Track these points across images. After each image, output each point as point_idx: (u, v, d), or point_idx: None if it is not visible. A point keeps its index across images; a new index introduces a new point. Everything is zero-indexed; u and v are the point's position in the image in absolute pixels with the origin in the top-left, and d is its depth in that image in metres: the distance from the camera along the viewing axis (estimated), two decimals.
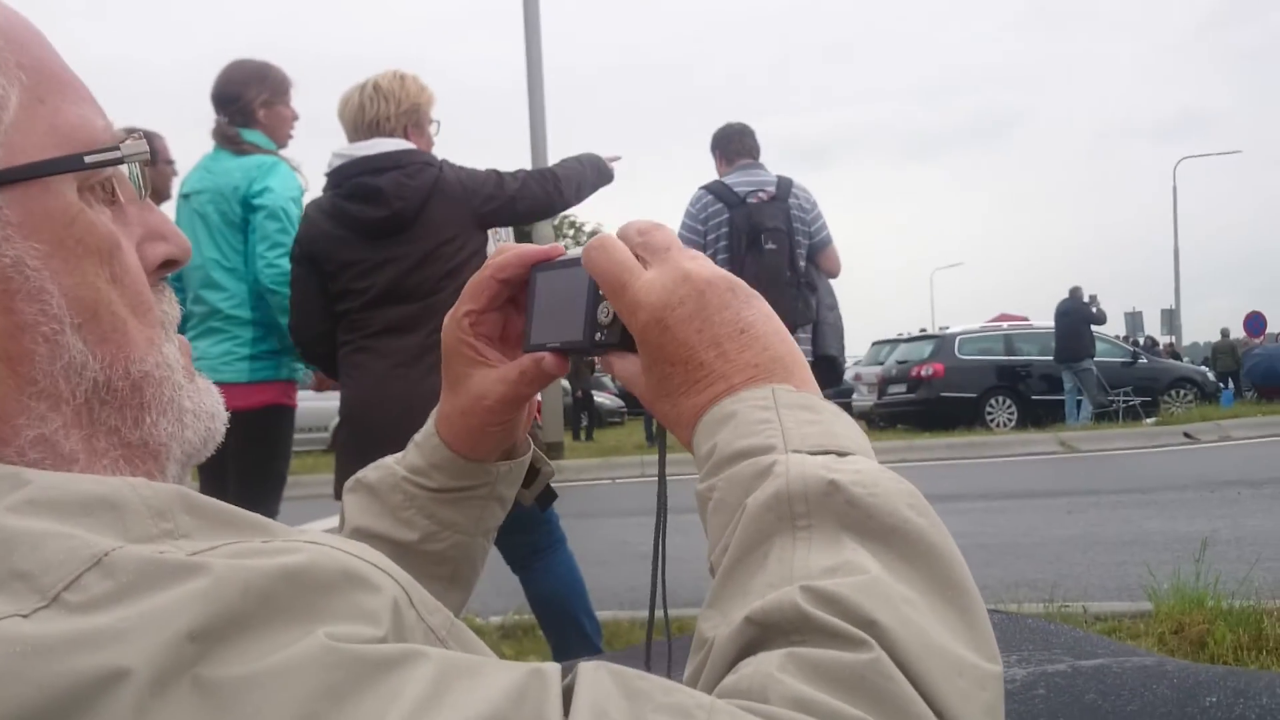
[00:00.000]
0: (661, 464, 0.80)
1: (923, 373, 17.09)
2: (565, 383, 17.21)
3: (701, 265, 0.66)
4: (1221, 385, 20.52)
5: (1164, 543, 5.52)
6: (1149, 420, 14.75)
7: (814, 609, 0.46)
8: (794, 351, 0.64)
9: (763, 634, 0.48)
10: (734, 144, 4.66)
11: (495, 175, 2.88)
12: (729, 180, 4.53)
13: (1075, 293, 15.68)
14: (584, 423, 20.11)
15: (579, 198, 2.99)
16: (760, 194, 4.43)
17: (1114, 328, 21.28)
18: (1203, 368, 21.20)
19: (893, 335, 21.82)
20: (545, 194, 2.88)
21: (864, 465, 0.56)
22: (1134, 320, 32.80)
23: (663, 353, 0.64)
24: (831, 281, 4.74)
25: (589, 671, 0.44)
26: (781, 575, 0.50)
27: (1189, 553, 4.14)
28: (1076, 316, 15.40)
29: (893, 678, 0.44)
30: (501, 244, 0.79)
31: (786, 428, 0.58)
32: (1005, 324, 20.04)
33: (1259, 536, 5.62)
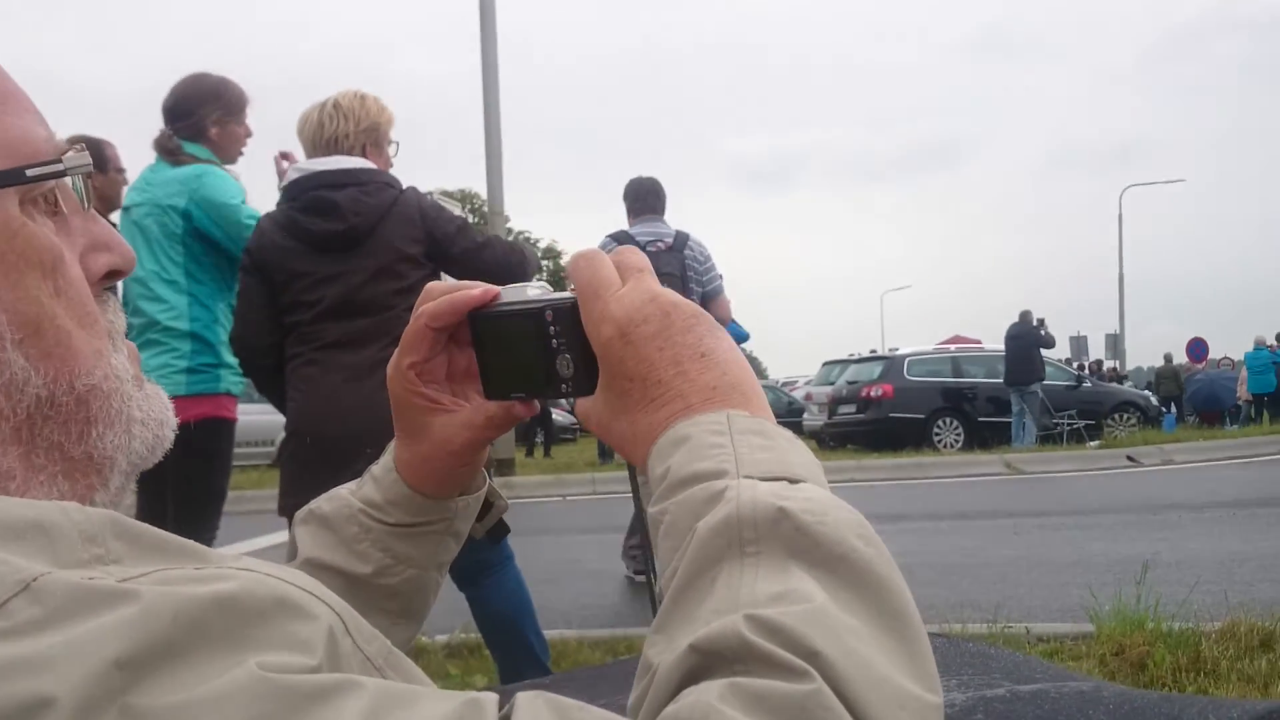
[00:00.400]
0: (635, 490, 0.79)
1: (872, 393, 17.25)
2: None
3: (670, 291, 0.67)
4: (1164, 410, 20.90)
5: (1106, 565, 5.60)
6: (1093, 443, 14.97)
7: (757, 638, 0.46)
8: (752, 380, 0.65)
9: (706, 662, 0.47)
10: (641, 201, 5.29)
11: (461, 219, 2.92)
12: (633, 230, 5.15)
13: (1025, 316, 15.86)
14: (540, 439, 20.01)
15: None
16: (659, 244, 5.03)
17: (1059, 352, 21.61)
18: (1146, 392, 21.59)
19: (844, 356, 22.01)
20: (509, 262, 2.89)
21: (815, 493, 0.56)
22: (1079, 344, 33.34)
23: (623, 368, 0.64)
24: (734, 321, 5.58)
25: (526, 701, 0.43)
26: (728, 601, 0.49)
27: (1130, 575, 4.20)
28: (1027, 340, 15.59)
29: (832, 709, 0.44)
30: (429, 285, 0.78)
31: (740, 453, 0.58)
32: (953, 346, 20.29)
33: (1199, 559, 5.72)
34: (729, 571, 0.51)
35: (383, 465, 0.81)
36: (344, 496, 0.82)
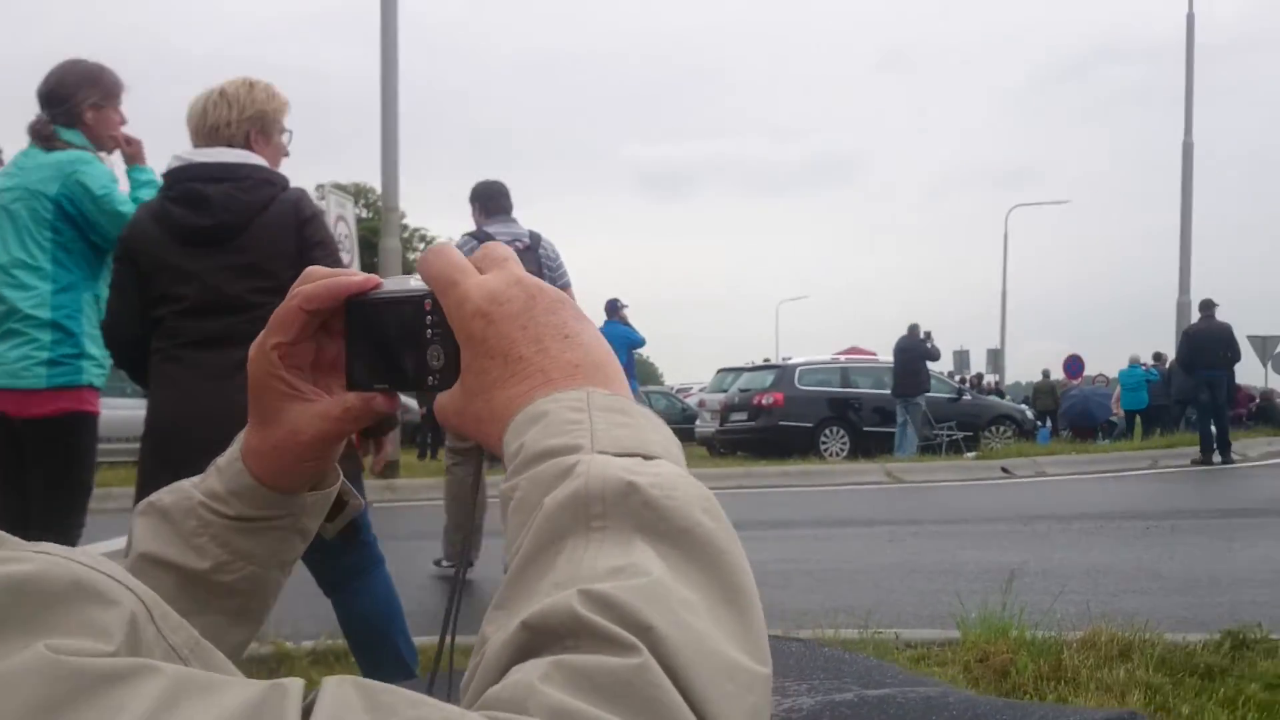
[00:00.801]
0: (477, 482, 0.78)
1: (763, 401, 17.50)
2: (409, 400, 16.88)
3: (539, 279, 0.66)
4: (1039, 423, 21.62)
5: (976, 573, 5.76)
6: (970, 454, 15.42)
7: (589, 613, 0.46)
8: (616, 363, 0.65)
9: (536, 639, 0.47)
10: (493, 201, 5.48)
11: (324, 236, 2.84)
12: (490, 229, 5.33)
13: (913, 330, 16.25)
14: (430, 440, 19.75)
15: None
16: (518, 244, 5.28)
17: (943, 364, 22.22)
18: (1023, 406, 22.31)
19: (739, 364, 22.29)
20: None
21: (666, 469, 0.55)
22: (961, 358, 34.36)
23: (484, 346, 0.64)
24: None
25: (333, 685, 0.42)
26: (569, 576, 0.49)
27: (999, 583, 4.34)
28: (914, 353, 15.98)
29: (659, 684, 0.43)
30: (310, 268, 0.76)
31: (596, 429, 0.57)
32: (843, 357, 20.69)
33: (1065, 569, 5.93)
34: (573, 546, 0.51)
35: (228, 455, 0.78)
36: (185, 489, 0.78)
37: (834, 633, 3.89)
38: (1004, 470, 12.97)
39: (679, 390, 31.73)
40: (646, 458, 0.57)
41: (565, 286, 5.44)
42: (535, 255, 5.27)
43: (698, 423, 21.55)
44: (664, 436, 0.60)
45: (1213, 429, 14.09)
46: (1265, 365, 29.07)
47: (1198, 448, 14.22)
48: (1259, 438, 18.36)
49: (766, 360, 22.75)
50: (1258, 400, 23.82)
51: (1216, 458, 13.96)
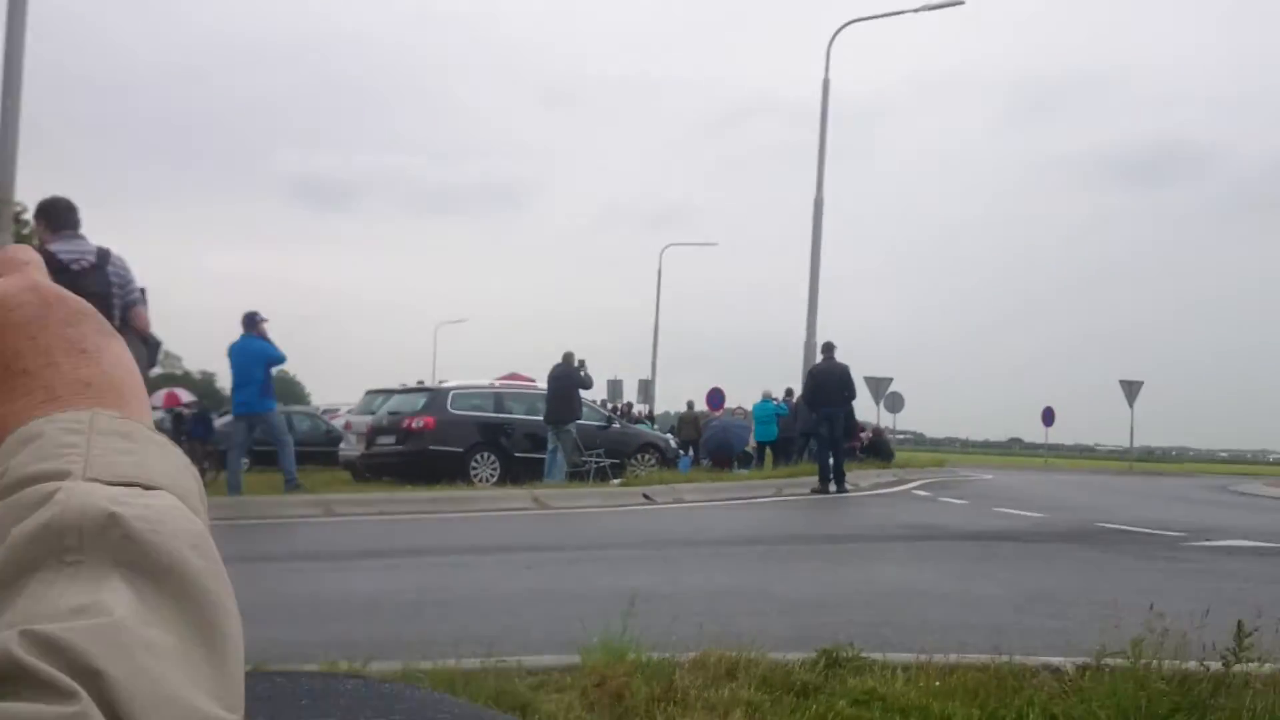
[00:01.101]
0: None
1: (413, 425, 17.26)
2: None
3: (59, 287, 0.59)
4: (682, 452, 22.77)
5: (608, 597, 5.88)
6: (615, 481, 15.96)
7: (28, 656, 0.40)
8: (137, 385, 0.58)
9: None
10: (60, 217, 5.37)
11: None
12: (54, 248, 5.19)
13: (568, 358, 16.65)
14: None
15: None
16: (83, 261, 5.20)
17: (597, 393, 22.93)
18: (668, 435, 23.41)
19: (390, 385, 21.87)
20: None
21: (161, 501, 0.50)
22: (615, 387, 35.69)
23: None
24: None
25: None
26: (26, 615, 0.43)
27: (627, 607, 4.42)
28: (567, 380, 16.36)
29: None
30: None
31: (93, 455, 0.51)
32: (498, 382, 20.83)
33: (690, 592, 6.20)
34: (41, 581, 0.45)
35: None
36: None
37: (455, 662, 3.81)
38: (645, 497, 13.50)
39: (325, 411, 30.60)
40: (146, 488, 0.51)
41: (134, 303, 5.36)
42: (104, 274, 5.18)
43: (342, 445, 20.92)
44: (172, 466, 0.55)
45: (830, 460, 15.38)
46: (878, 404, 32.39)
47: (817, 477, 15.48)
48: (870, 469, 20.33)
49: (421, 383, 22.42)
50: (869, 434, 26.28)
51: (832, 487, 15.26)
